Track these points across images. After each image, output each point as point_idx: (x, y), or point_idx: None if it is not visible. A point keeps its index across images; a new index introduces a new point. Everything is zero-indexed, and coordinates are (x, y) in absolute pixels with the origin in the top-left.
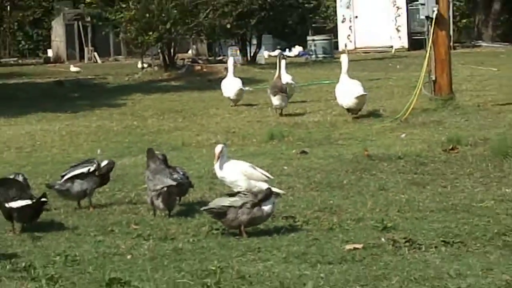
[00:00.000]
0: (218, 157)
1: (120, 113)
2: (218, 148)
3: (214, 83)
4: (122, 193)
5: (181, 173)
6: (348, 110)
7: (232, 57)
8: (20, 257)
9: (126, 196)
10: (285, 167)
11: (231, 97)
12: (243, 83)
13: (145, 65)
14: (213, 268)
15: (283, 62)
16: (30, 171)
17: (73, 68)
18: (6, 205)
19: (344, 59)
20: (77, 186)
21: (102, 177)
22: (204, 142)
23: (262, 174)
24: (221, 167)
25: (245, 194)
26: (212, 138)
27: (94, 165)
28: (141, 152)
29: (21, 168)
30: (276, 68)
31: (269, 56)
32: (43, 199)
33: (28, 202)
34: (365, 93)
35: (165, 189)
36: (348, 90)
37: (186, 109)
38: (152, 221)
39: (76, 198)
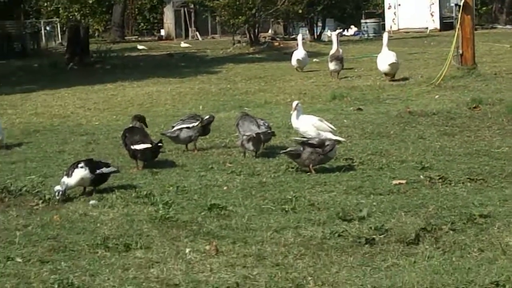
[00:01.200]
0: (294, 109)
1: (217, 79)
2: (295, 103)
3: (289, 55)
4: (219, 139)
5: (266, 124)
6: (385, 74)
7: (301, 35)
8: (142, 187)
9: (222, 142)
10: (345, 121)
11: (296, 65)
12: (309, 55)
13: (236, 42)
14: (290, 197)
15: (337, 38)
16: (148, 122)
17: (183, 44)
18: (132, 147)
19: (385, 36)
20: (185, 133)
21: (204, 128)
22: (281, 101)
23: (328, 126)
24: (295, 120)
25: (315, 141)
26: (287, 98)
27: (198, 122)
28: (233, 108)
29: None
30: (333, 43)
31: (331, 35)
32: (159, 144)
33: (148, 145)
34: (395, 61)
35: (254, 135)
36: (384, 59)
37: (267, 76)
38: (242, 160)
39: (184, 143)
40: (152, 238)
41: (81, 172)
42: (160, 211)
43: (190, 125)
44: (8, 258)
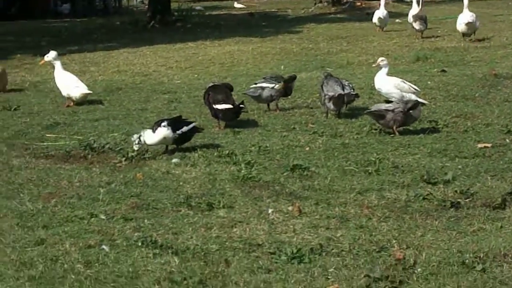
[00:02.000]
0: (377, 65)
1: (298, 38)
2: (380, 59)
3: (371, 16)
4: (301, 99)
5: (350, 85)
6: (463, 34)
7: None
8: (224, 147)
9: (304, 102)
10: (429, 82)
11: (377, 24)
12: (391, 16)
13: (317, 1)
14: (373, 159)
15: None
16: (230, 81)
17: (236, 5)
18: (214, 106)
19: None
20: (267, 92)
21: (286, 88)
22: (364, 62)
23: (411, 87)
24: (379, 80)
25: (398, 102)
26: (370, 58)
27: (280, 84)
28: (315, 69)
29: (224, 79)
30: (414, 3)
31: None
32: (241, 105)
33: (230, 106)
34: (472, 21)
35: (336, 95)
36: (462, 19)
37: (350, 36)
38: (324, 121)
39: (265, 102)
40: (235, 197)
41: (163, 131)
42: (243, 171)
43: (270, 86)
44: (91, 214)
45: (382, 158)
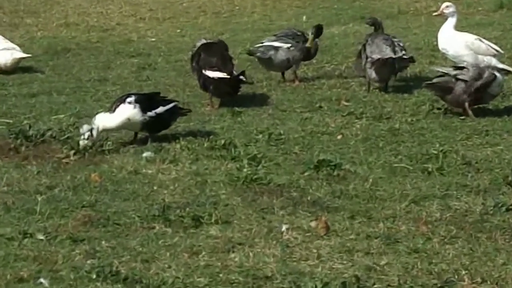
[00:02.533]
0: (440, 13)
1: None
2: (444, 5)
3: None
4: (331, 66)
5: (401, 45)
6: None
7: None
8: (219, 135)
9: (335, 69)
10: None
11: None
12: None
13: None
14: (435, 152)
15: None
16: (228, 39)
17: None
18: (203, 72)
19: None
20: (282, 55)
21: (308, 50)
22: (422, 10)
23: (490, 47)
24: (444, 36)
25: (471, 69)
26: (432, 4)
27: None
28: (351, 20)
29: (218, 36)
30: None
31: None
32: (241, 77)
33: (225, 75)
34: None
35: (383, 59)
36: None
37: None
38: (365, 98)
39: (279, 69)
40: (233, 208)
41: (128, 110)
42: (245, 170)
43: (285, 46)
44: (25, 234)
45: (448, 150)
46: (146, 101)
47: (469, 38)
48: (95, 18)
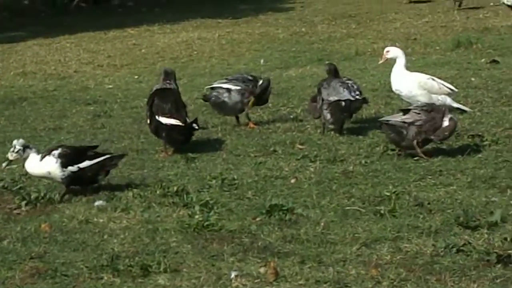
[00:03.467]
0: (384, 59)
1: (287, 19)
2: (387, 48)
3: None
4: (287, 108)
5: (355, 86)
6: None
7: None
8: (172, 181)
9: (291, 112)
10: (473, 79)
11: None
12: None
13: None
14: (388, 193)
15: None
16: (185, 84)
17: None
18: (157, 117)
19: None
20: (235, 96)
21: (259, 97)
22: (380, 51)
23: (444, 86)
24: (396, 78)
25: (422, 109)
26: (389, 45)
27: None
28: (309, 62)
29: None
30: None
31: None
32: (194, 125)
33: (178, 123)
34: None
35: (342, 103)
36: None
37: (361, 14)
38: (319, 140)
39: (233, 112)
40: (183, 256)
41: (50, 164)
42: (196, 216)
43: (237, 87)
44: None
45: (400, 192)
46: (71, 155)
47: (422, 78)
48: (53, 66)
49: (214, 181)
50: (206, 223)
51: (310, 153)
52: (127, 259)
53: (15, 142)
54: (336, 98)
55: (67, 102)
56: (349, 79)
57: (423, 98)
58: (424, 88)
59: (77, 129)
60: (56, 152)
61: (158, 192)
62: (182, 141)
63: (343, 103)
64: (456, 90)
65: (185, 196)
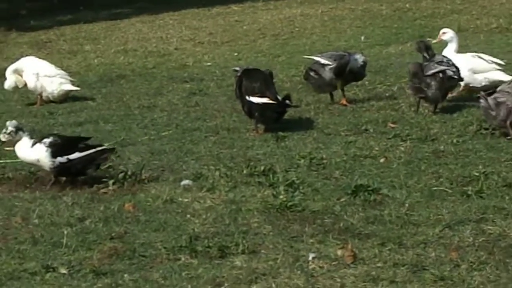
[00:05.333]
0: (440, 40)
1: None
2: (443, 30)
3: None
4: (383, 86)
5: (451, 63)
6: None
7: None
8: (260, 161)
9: (387, 90)
10: None
11: None
12: None
13: None
14: (477, 173)
15: None
16: (283, 61)
17: None
18: (247, 98)
19: None
20: (328, 74)
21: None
22: (483, 27)
23: (492, 62)
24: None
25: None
26: (493, 22)
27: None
28: (410, 39)
29: (275, 59)
30: None
31: None
32: (287, 101)
33: (270, 101)
34: None
35: (440, 75)
36: None
37: None
38: (412, 119)
39: (326, 90)
40: (262, 237)
41: (39, 152)
42: (281, 196)
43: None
44: (47, 267)
45: (490, 172)
46: (61, 145)
47: (467, 58)
48: (154, 44)
49: (302, 160)
50: (290, 203)
51: (402, 132)
52: (206, 240)
53: (8, 123)
54: (435, 70)
55: (164, 79)
56: (445, 57)
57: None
58: (470, 69)
59: (172, 107)
60: (47, 141)
61: (245, 171)
62: (276, 119)
63: (441, 75)
64: (502, 62)
65: (271, 175)
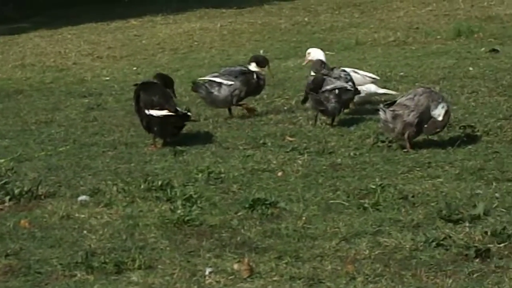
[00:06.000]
0: (307, 61)
1: (291, 8)
2: (309, 50)
3: None
4: (281, 100)
5: (348, 77)
6: None
7: None
8: (158, 175)
9: (285, 104)
10: (471, 68)
11: None
12: None
13: None
14: (373, 186)
15: None
16: (182, 76)
17: None
18: (146, 112)
19: None
20: (225, 91)
21: (250, 84)
22: (380, 40)
23: (366, 77)
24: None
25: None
26: (391, 35)
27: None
28: None
29: (173, 73)
30: None
31: None
32: (187, 113)
33: (169, 112)
34: None
35: (336, 91)
36: None
37: (366, 2)
38: (310, 132)
39: (224, 105)
40: (159, 252)
41: None
42: (178, 211)
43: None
44: None
45: (386, 185)
46: None
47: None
48: (52, 58)
49: (200, 174)
50: (187, 218)
51: (299, 145)
52: (102, 256)
53: None
54: (332, 86)
55: (62, 94)
56: (343, 71)
57: None
58: None
59: (69, 122)
60: None
61: (142, 186)
62: (175, 132)
63: (337, 91)
64: (377, 77)
65: (169, 190)
